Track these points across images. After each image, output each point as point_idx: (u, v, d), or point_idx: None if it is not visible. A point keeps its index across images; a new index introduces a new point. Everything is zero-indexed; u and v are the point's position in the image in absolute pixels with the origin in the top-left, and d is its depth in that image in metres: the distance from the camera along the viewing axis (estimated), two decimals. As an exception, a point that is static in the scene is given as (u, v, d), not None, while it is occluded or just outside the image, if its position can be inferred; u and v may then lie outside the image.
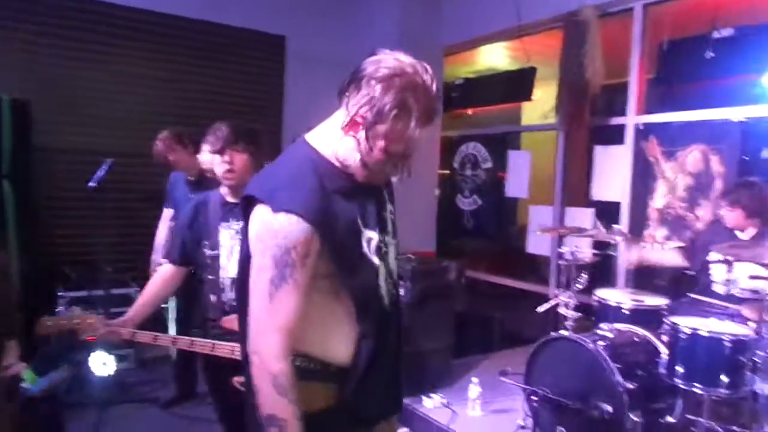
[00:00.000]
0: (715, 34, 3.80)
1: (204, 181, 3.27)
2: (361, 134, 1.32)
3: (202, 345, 2.25)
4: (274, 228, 1.26)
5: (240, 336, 1.44)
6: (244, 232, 1.38)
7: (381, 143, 1.32)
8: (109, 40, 4.73)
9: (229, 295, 2.29)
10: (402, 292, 4.11)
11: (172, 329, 3.86)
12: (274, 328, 1.27)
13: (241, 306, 1.41)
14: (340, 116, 1.38)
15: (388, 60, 1.35)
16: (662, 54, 4.25)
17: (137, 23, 4.84)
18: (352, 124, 1.33)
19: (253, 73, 5.45)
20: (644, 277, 4.52)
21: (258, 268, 1.28)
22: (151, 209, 4.01)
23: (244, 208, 1.36)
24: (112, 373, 3.84)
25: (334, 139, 1.38)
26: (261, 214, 1.30)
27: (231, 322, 2.29)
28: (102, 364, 3.84)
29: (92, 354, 3.94)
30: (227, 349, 2.24)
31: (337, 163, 1.39)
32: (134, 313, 2.35)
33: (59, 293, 4.19)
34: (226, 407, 2.39)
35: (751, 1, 3.86)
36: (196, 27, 5.08)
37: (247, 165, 2.29)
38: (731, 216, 3.36)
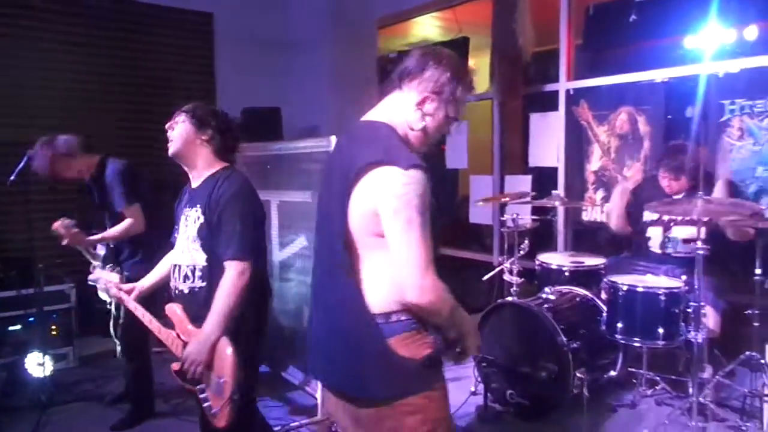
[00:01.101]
0: (637, -2, 3.90)
1: None
2: (430, 106, 1.59)
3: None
4: (411, 182, 1.44)
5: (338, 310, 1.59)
6: (343, 209, 1.52)
7: (442, 112, 1.61)
8: (27, 23, 4.45)
9: (177, 283, 2.27)
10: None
11: None
12: (430, 263, 1.46)
13: (332, 280, 1.60)
14: (397, 99, 1.63)
15: (430, 50, 1.68)
16: (588, 19, 4.33)
17: (58, 4, 4.55)
18: (423, 101, 1.59)
19: (181, 53, 5.26)
20: (583, 239, 4.67)
21: (406, 220, 1.44)
22: (82, 201, 3.81)
23: (356, 174, 1.50)
24: (49, 373, 3.69)
25: (400, 116, 1.62)
26: (391, 174, 1.45)
27: (169, 309, 2.28)
28: (38, 364, 3.68)
29: (28, 355, 3.77)
30: (166, 335, 2.29)
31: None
32: (145, 284, 2.49)
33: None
34: None
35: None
36: (121, 6, 4.84)
37: (184, 135, 2.24)
38: (676, 185, 3.43)
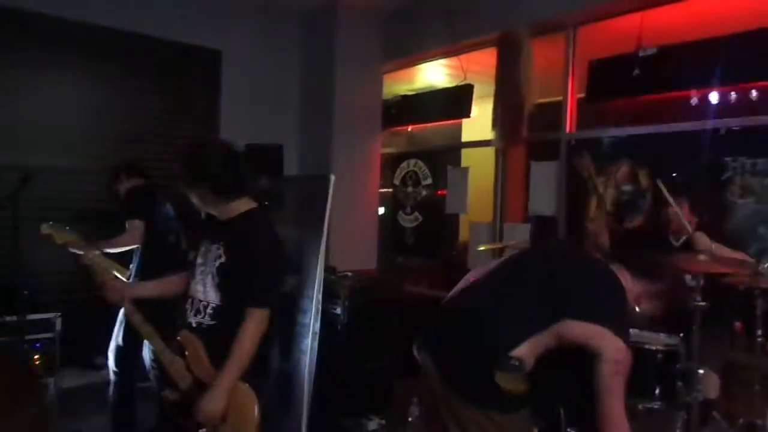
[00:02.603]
0: (641, 53, 3.92)
1: None
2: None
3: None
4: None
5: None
6: None
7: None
8: (32, 51, 4.50)
9: (189, 315, 2.25)
10: (338, 311, 4.03)
11: None
12: None
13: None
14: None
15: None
16: (592, 72, 4.36)
17: (65, 35, 4.62)
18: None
19: (188, 87, 5.32)
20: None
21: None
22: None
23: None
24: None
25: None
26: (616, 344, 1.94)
27: (187, 338, 2.21)
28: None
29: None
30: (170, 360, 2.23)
31: None
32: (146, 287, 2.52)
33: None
34: None
35: (672, 21, 4.01)
36: (129, 40, 4.92)
37: (197, 201, 2.27)
38: (679, 213, 3.39)
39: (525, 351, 1.90)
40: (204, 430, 2.08)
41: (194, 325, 2.19)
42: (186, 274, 2.33)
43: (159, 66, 5.15)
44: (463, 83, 5.48)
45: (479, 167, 5.54)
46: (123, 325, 3.41)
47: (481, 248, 4.48)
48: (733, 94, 3.76)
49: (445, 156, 6.04)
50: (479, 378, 1.94)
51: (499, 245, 4.42)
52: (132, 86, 5.02)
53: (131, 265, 3.51)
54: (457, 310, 2.18)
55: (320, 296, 3.41)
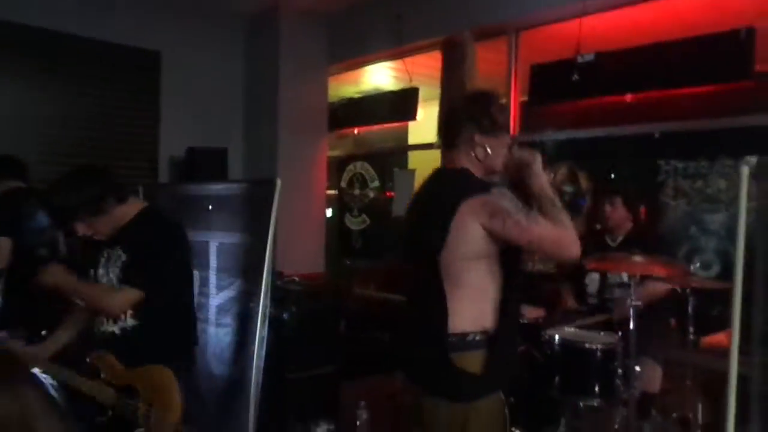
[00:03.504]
0: (579, 59, 4.04)
1: None
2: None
3: None
4: (498, 197, 1.80)
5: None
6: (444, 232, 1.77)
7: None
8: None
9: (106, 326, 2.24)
10: (285, 316, 3.98)
11: None
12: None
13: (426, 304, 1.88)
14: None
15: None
16: (534, 76, 4.46)
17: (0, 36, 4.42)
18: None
19: (126, 89, 5.15)
20: (527, 289, 4.68)
21: (514, 220, 1.75)
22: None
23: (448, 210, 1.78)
24: None
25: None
26: (482, 199, 1.79)
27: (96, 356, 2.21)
28: None
29: None
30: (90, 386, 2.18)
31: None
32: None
33: None
34: None
35: (608, 30, 4.15)
36: (67, 41, 4.73)
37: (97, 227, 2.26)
38: (614, 213, 3.49)
39: (456, 317, 1.77)
40: (141, 430, 2.09)
41: (118, 332, 2.21)
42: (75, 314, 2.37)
43: (96, 68, 4.98)
44: (408, 86, 5.51)
45: (426, 170, 5.56)
46: None
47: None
48: (666, 99, 3.92)
49: (392, 158, 6.06)
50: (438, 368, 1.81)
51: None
52: (67, 90, 4.85)
53: None
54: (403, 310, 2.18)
55: (267, 301, 3.37)
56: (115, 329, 2.20)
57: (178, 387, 2.11)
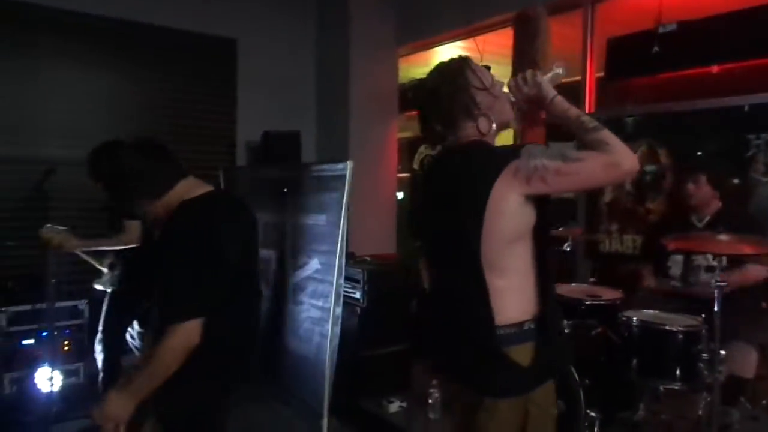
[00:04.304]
0: (660, 29, 3.85)
1: None
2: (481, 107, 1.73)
3: None
4: (526, 158, 1.58)
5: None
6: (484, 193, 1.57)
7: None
8: (52, 45, 4.57)
9: None
10: (357, 295, 4.07)
11: None
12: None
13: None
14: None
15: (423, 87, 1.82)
16: (610, 51, 4.29)
17: (82, 28, 4.68)
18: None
19: (206, 77, 5.36)
20: (605, 270, 4.56)
21: (554, 171, 1.55)
22: (95, 219, 3.86)
23: (481, 191, 1.58)
24: (58, 389, 3.69)
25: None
26: (512, 168, 1.57)
27: None
28: (47, 379, 3.69)
29: (38, 369, 3.79)
30: None
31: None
32: None
33: (1, 308, 4.00)
34: None
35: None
36: (145, 30, 4.95)
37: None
38: (698, 191, 3.35)
39: (505, 307, 1.61)
40: None
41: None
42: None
43: (175, 57, 5.20)
44: (480, 65, 5.42)
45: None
46: (105, 313, 3.57)
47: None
48: (757, 69, 3.68)
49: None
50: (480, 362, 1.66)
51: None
52: (149, 78, 5.08)
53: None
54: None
55: (341, 281, 3.45)
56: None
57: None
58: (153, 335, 1.90)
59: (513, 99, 1.76)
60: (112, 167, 2.01)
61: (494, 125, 1.72)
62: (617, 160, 1.54)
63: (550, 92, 1.72)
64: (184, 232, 1.83)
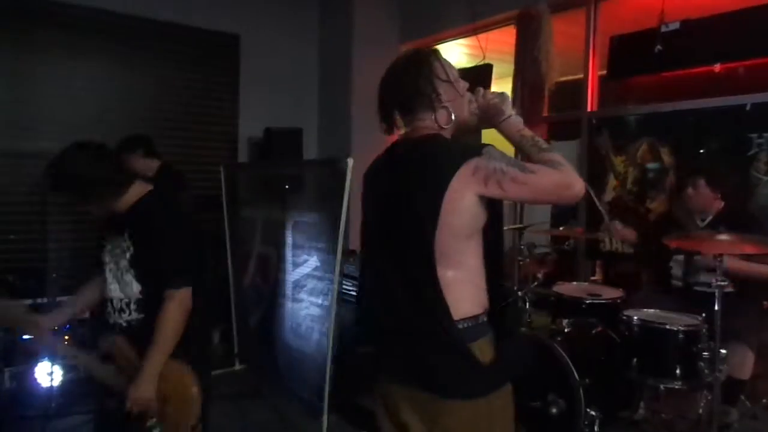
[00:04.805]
0: (663, 28, 3.84)
1: None
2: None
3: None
4: (487, 158, 1.57)
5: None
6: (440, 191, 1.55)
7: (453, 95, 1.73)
8: (54, 39, 4.57)
9: (115, 317, 2.18)
10: (356, 292, 4.05)
11: None
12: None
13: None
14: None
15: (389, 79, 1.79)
16: (613, 49, 4.28)
17: (85, 22, 4.68)
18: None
19: (208, 72, 5.35)
20: (606, 269, 4.56)
21: (510, 177, 1.55)
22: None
23: (437, 185, 1.56)
24: (58, 383, 3.69)
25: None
26: (471, 166, 1.56)
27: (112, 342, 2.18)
28: (48, 374, 3.69)
29: (38, 364, 3.79)
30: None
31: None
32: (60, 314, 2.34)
33: (2, 303, 4.01)
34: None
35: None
36: (146, 25, 4.95)
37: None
38: (697, 195, 3.35)
39: (459, 301, 1.57)
40: (153, 419, 2.05)
41: (124, 324, 2.14)
42: (99, 278, 2.25)
43: (178, 52, 5.19)
44: (482, 63, 5.42)
45: (499, 148, 5.50)
46: None
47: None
48: (759, 69, 3.67)
49: (466, 136, 5.99)
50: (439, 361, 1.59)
51: (519, 226, 4.39)
52: (151, 73, 5.07)
53: None
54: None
55: (340, 279, 3.45)
56: (122, 321, 2.15)
57: (194, 380, 2.06)
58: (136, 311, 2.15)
59: (473, 102, 1.74)
60: (78, 175, 2.11)
61: (453, 118, 1.70)
62: (570, 181, 1.55)
63: (508, 110, 1.71)
64: (165, 215, 2.16)
